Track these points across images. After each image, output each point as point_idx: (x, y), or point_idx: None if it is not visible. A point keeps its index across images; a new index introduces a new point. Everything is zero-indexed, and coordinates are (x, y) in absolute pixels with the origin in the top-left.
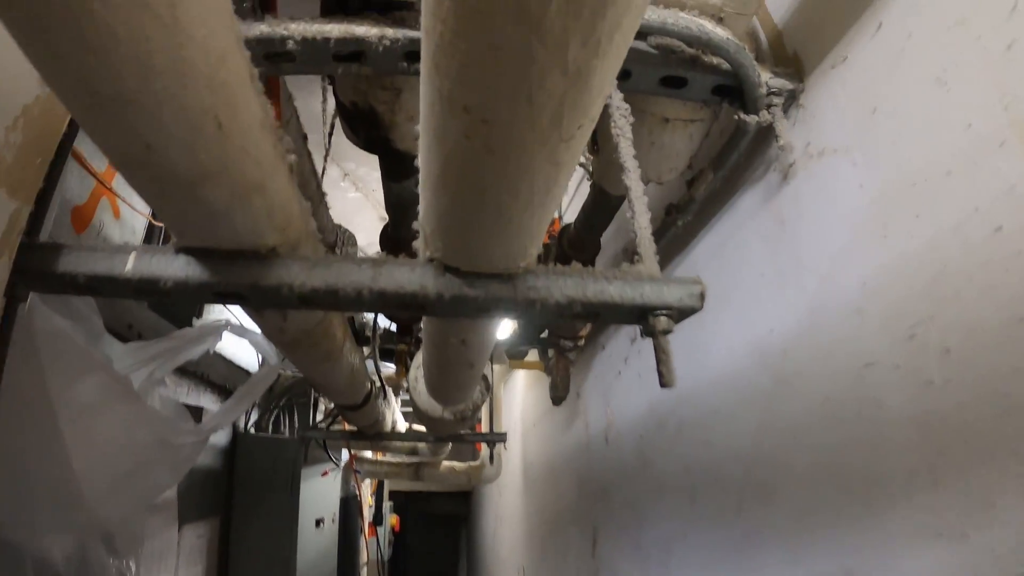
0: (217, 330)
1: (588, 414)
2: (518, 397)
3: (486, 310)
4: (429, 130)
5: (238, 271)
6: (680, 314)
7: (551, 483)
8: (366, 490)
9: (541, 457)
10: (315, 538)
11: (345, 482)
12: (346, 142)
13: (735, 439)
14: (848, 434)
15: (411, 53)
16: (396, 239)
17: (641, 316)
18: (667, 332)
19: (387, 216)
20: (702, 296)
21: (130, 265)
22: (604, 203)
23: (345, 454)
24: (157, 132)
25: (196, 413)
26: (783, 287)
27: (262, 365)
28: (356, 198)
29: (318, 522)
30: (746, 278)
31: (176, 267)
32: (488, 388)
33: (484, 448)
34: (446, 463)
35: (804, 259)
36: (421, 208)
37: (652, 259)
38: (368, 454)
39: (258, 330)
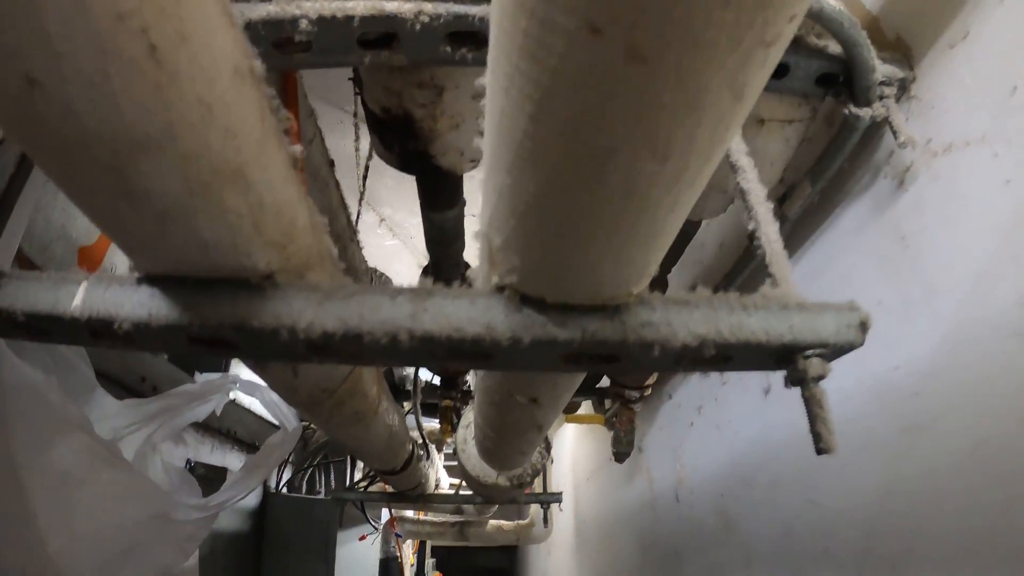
0: (222, 387)
1: (653, 469)
2: (568, 447)
3: (581, 360)
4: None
5: (218, 307)
6: (835, 352)
7: (607, 544)
8: (407, 550)
9: (595, 514)
10: None
11: (385, 542)
12: (382, 186)
13: (850, 499)
14: (1012, 491)
15: (455, 34)
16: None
17: (784, 358)
18: (820, 378)
19: (427, 255)
20: (863, 326)
21: (79, 300)
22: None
23: (385, 514)
24: (45, 54)
25: (220, 474)
26: (909, 316)
27: (279, 429)
28: (393, 245)
29: None
30: None
31: (136, 302)
32: (548, 449)
33: (534, 506)
34: (493, 522)
35: (936, 279)
36: (486, 206)
37: (789, 281)
38: (410, 513)
39: None
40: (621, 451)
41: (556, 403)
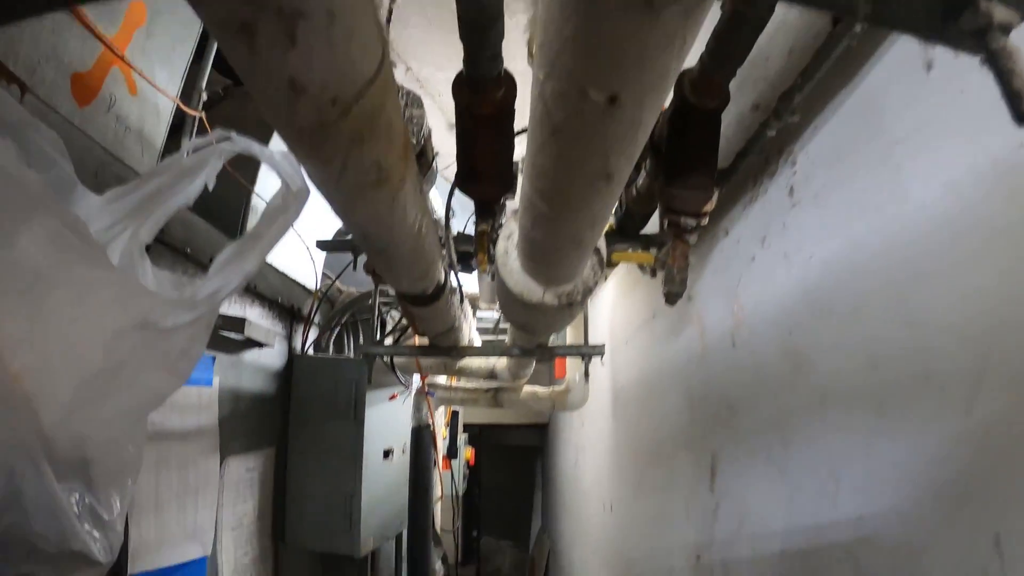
0: (216, 151)
1: (704, 318)
2: (604, 312)
3: None
4: None
5: None
6: None
7: (649, 407)
8: (440, 420)
9: (635, 378)
10: (383, 470)
11: (417, 410)
12: (407, 37)
13: (960, 310)
14: None
15: None
16: (475, 81)
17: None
18: (1008, 27)
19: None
20: None
21: None
22: (743, 22)
23: (416, 380)
24: None
25: (239, 324)
26: None
27: (281, 193)
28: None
29: (387, 453)
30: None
31: None
32: (601, 264)
33: (569, 371)
34: (527, 388)
35: None
36: None
37: None
38: (442, 380)
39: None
40: (674, 291)
41: (641, 101)
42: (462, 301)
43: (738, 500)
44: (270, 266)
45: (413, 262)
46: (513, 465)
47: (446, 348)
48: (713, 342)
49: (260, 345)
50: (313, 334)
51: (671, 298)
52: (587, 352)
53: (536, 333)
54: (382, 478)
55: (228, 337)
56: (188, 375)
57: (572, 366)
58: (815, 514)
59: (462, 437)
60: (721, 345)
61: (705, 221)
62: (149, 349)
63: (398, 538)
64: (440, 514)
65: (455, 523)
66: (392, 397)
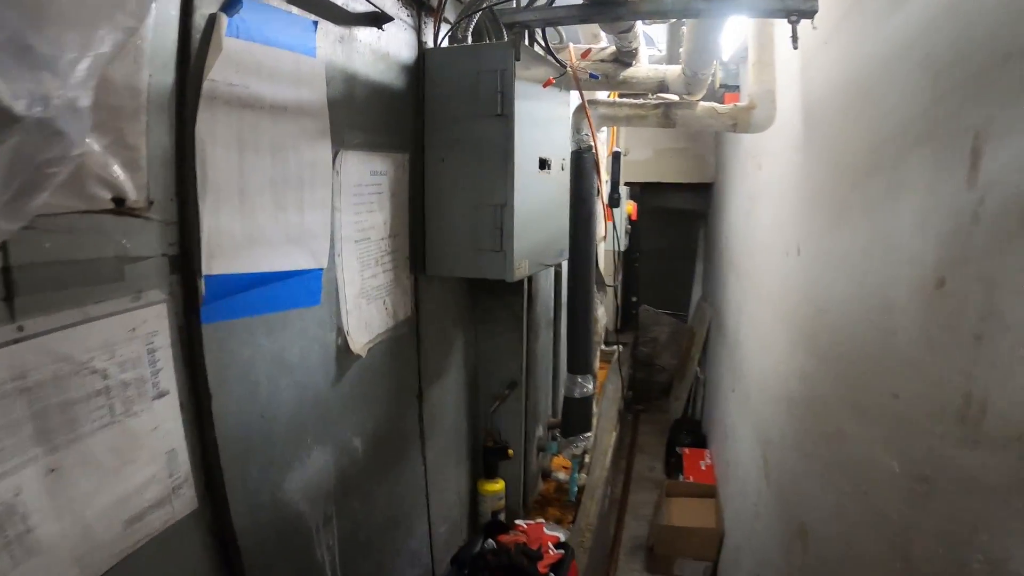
0: None
1: None
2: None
3: None
4: None
5: None
6: None
7: (860, 111)
8: (602, 148)
9: (838, 83)
10: (539, 183)
11: (577, 131)
12: None
13: None
14: None
15: None
16: None
17: None
18: None
19: None
20: None
21: None
22: None
23: (575, 98)
24: None
25: None
26: None
27: None
28: None
29: (543, 163)
30: None
31: None
32: None
33: (753, 84)
34: (704, 104)
35: None
36: None
37: None
38: (603, 95)
39: None
40: None
41: None
42: None
43: (1018, 183)
44: None
45: None
46: (674, 230)
47: (612, 2)
48: None
49: (377, 22)
50: (444, 27)
51: None
52: (795, 8)
53: None
54: (538, 191)
55: (332, 3)
56: None
57: (756, 80)
58: None
59: (624, 190)
60: None
61: None
62: None
63: (557, 276)
64: (602, 261)
65: (615, 281)
66: (547, 83)
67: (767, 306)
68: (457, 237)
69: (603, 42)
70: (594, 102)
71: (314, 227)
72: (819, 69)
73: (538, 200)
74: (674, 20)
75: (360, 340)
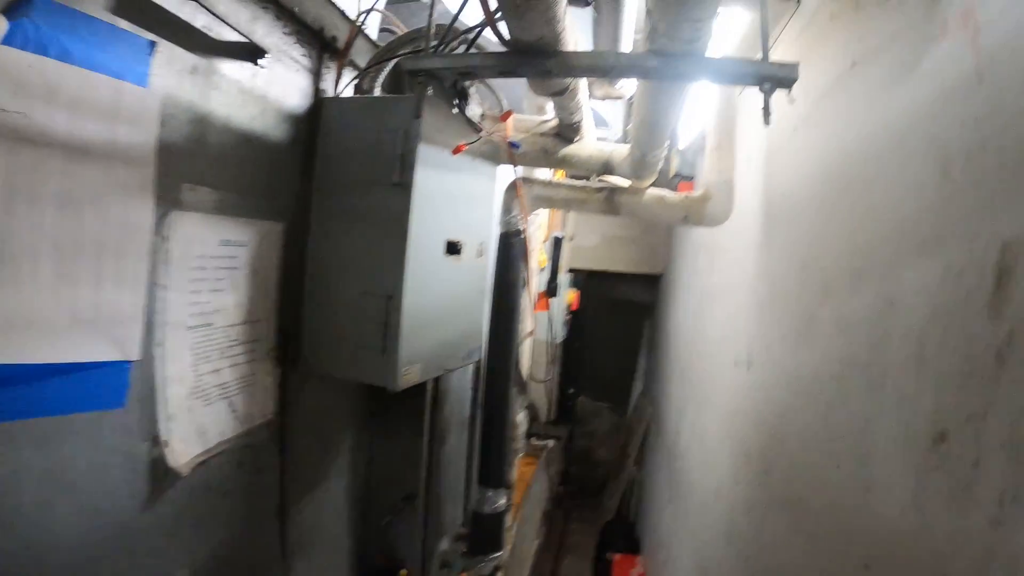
0: None
1: (979, 11)
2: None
3: None
4: None
5: None
6: None
7: (842, 205)
8: (536, 236)
9: (814, 171)
10: (446, 271)
11: (506, 211)
12: None
13: None
14: None
15: None
16: None
17: None
18: None
19: None
20: None
21: None
22: None
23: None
24: None
25: None
26: None
27: None
28: None
29: (452, 246)
30: None
31: None
32: None
33: (709, 173)
34: (653, 191)
35: None
36: None
37: None
38: (543, 174)
39: None
40: None
41: None
42: None
43: None
44: None
45: None
46: (619, 321)
47: (539, 49)
48: (1005, 39)
49: (252, 56)
50: (348, 75)
51: None
52: (771, 74)
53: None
54: (443, 281)
55: (186, 23)
56: None
57: (713, 169)
58: None
59: (566, 276)
60: None
61: None
62: None
63: (477, 369)
64: (527, 358)
65: (549, 374)
66: (457, 150)
67: (712, 419)
68: (338, 329)
69: (549, 114)
70: (530, 180)
71: (119, 308)
72: (788, 157)
73: (443, 291)
74: (622, 87)
75: (188, 452)
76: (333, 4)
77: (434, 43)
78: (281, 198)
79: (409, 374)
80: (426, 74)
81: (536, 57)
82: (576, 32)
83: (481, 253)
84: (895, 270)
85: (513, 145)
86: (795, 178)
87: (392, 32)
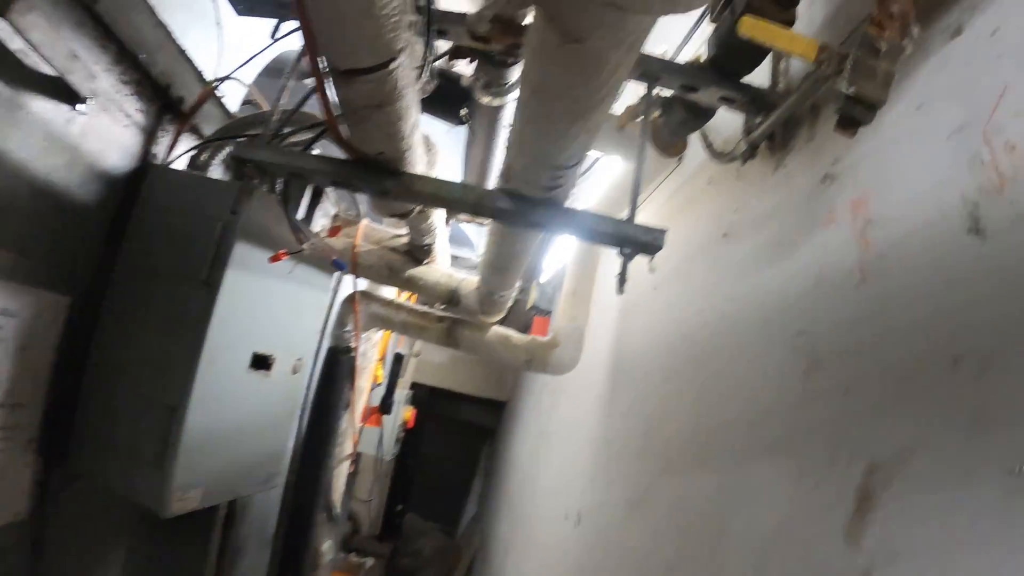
0: None
1: (871, 202)
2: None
3: None
4: None
5: None
6: None
7: (690, 378)
8: (371, 355)
9: (667, 339)
10: (250, 386)
11: (340, 325)
12: None
13: None
14: None
15: None
16: None
17: None
18: None
19: None
20: None
21: None
22: None
23: (346, 284)
24: None
25: None
26: None
27: None
28: None
29: (260, 360)
30: None
31: None
32: None
33: (561, 318)
34: (498, 330)
35: None
36: None
37: None
38: (387, 292)
39: None
40: (870, 97)
41: None
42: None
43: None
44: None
45: None
46: (457, 442)
47: (381, 165)
48: (898, 239)
49: (70, 100)
50: (186, 143)
51: (853, 120)
52: (633, 238)
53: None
54: (244, 397)
55: None
56: None
57: (565, 314)
58: None
59: (404, 393)
60: (936, 240)
61: None
62: None
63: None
64: (342, 481)
65: (373, 491)
66: (276, 257)
67: (534, 570)
68: (115, 433)
69: (404, 229)
70: (371, 297)
71: None
72: (645, 315)
73: (242, 408)
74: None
75: None
76: (190, 61)
77: (277, 131)
78: (74, 268)
79: (185, 500)
80: (255, 165)
81: (375, 174)
82: (443, 151)
83: (297, 370)
84: (743, 465)
85: (338, 265)
86: (649, 338)
87: (257, 108)
